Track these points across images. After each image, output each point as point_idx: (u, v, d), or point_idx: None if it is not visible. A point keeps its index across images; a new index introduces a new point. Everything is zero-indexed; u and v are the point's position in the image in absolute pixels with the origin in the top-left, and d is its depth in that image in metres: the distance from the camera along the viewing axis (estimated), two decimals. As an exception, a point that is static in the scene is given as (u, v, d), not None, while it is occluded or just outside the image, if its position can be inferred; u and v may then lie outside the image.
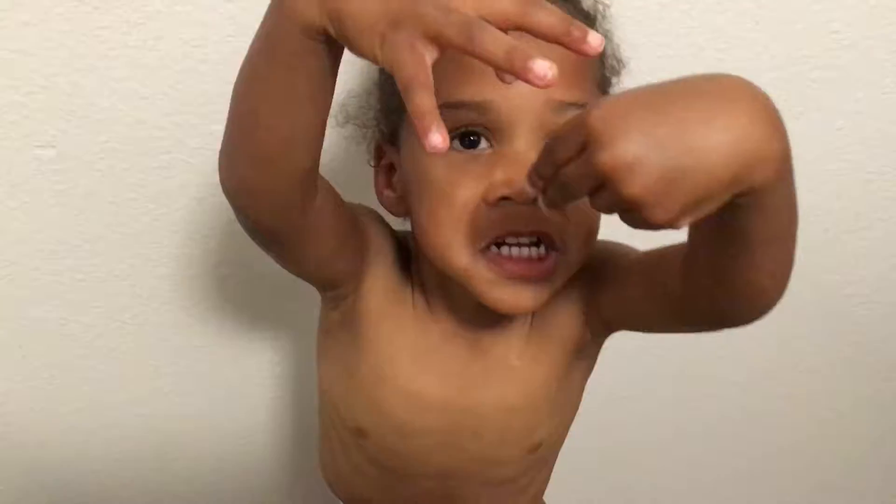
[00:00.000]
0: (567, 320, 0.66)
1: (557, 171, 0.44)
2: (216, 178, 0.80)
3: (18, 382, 0.91)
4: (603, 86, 0.64)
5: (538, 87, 0.38)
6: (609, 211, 0.44)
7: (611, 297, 0.64)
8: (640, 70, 0.83)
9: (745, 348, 1.10)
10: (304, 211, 0.56)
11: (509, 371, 0.67)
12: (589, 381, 1.07)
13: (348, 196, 0.74)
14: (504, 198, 0.55)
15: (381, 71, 0.66)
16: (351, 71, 0.74)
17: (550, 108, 0.56)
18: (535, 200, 0.50)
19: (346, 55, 0.60)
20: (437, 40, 0.40)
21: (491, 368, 0.67)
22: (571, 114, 0.54)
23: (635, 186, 0.40)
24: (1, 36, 0.70)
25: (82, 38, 0.72)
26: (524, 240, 0.58)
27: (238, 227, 0.84)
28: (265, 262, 0.88)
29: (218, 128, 0.77)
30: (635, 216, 0.42)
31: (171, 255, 0.86)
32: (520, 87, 0.53)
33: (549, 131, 0.55)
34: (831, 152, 0.93)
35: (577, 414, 0.76)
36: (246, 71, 0.51)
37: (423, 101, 0.40)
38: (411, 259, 0.68)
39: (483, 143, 0.57)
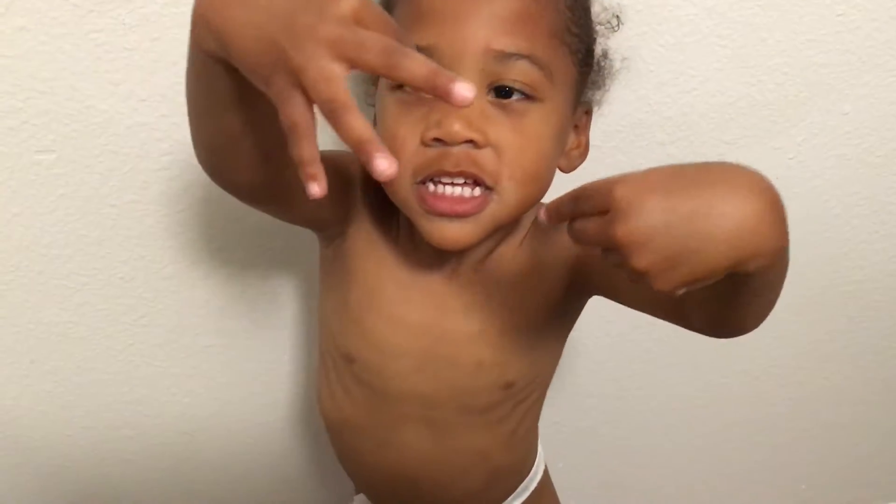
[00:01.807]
0: (551, 282, 0.69)
1: (575, 217, 0.50)
2: (218, 178, 0.81)
3: (28, 386, 0.91)
4: (574, 39, 0.63)
5: (457, 106, 0.40)
6: (616, 269, 0.48)
7: (604, 281, 0.66)
8: (643, 59, 0.82)
9: (756, 335, 1.09)
10: (272, 185, 0.59)
11: (488, 311, 0.70)
12: (601, 371, 1.07)
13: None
14: (437, 139, 0.58)
15: None
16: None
17: (492, 57, 0.58)
18: (466, 142, 0.57)
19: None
20: (352, 63, 0.41)
21: (469, 303, 0.70)
22: (515, 63, 0.58)
23: (643, 261, 0.46)
24: (-3, 42, 0.70)
25: (78, 42, 0.71)
26: (458, 179, 0.60)
27: (242, 226, 0.85)
28: (271, 262, 0.89)
29: (217, 128, 0.78)
30: (637, 281, 0.47)
31: (176, 257, 0.86)
32: (462, 33, 0.57)
33: (492, 78, 0.58)
34: (839, 137, 0.92)
35: (557, 365, 0.79)
36: (186, 69, 0.52)
37: (303, 152, 0.43)
38: None
39: None
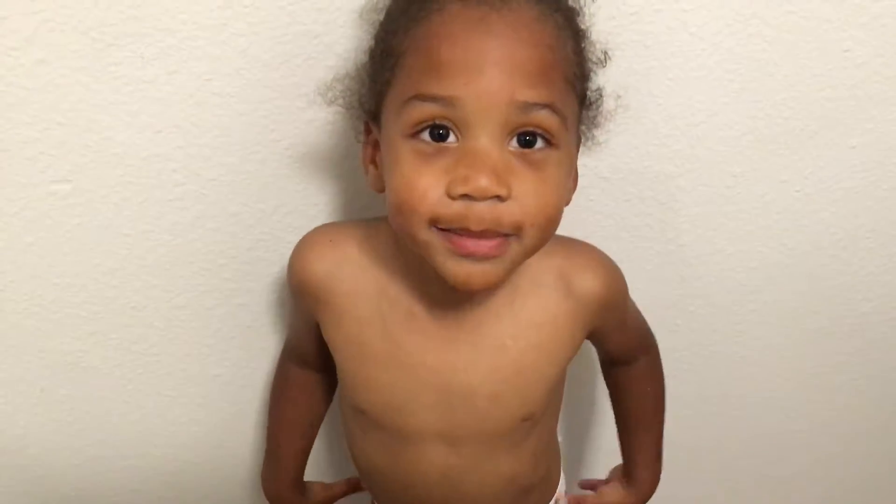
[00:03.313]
0: (570, 331, 0.74)
1: None
2: (230, 208, 0.82)
3: (37, 416, 0.91)
4: (578, 82, 0.65)
5: None
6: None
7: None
8: (651, 93, 0.83)
9: (764, 368, 1.10)
10: None
11: (502, 350, 0.72)
12: (605, 406, 1.06)
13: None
14: (464, 194, 0.59)
15: (370, 55, 0.68)
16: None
17: (515, 108, 0.58)
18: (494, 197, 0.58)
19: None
20: None
21: (480, 343, 0.72)
22: (537, 113, 0.59)
23: None
24: (17, 73, 0.71)
25: (97, 74, 0.72)
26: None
27: (253, 256, 0.86)
28: (281, 291, 0.90)
29: (231, 160, 0.79)
30: None
31: (187, 286, 0.86)
32: (486, 85, 0.57)
33: (514, 128, 0.59)
34: (846, 170, 0.93)
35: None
36: None
37: None
38: (380, 246, 0.73)
39: (451, 137, 0.60)
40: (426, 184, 0.60)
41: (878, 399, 1.16)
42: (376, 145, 0.68)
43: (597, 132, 0.71)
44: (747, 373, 1.09)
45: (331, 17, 0.74)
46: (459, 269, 0.62)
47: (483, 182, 0.58)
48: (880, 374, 1.13)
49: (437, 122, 0.59)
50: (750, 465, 1.20)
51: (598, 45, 0.68)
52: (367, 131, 0.70)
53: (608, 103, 0.71)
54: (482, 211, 0.59)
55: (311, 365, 0.85)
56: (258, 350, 0.93)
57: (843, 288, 1.04)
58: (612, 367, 0.88)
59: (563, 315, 0.73)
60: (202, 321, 0.89)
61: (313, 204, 0.84)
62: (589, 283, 0.73)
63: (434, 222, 0.61)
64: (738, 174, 0.91)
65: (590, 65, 0.67)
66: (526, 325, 0.72)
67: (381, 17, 0.67)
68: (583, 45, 0.66)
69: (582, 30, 0.66)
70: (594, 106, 0.70)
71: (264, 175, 0.81)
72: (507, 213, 0.60)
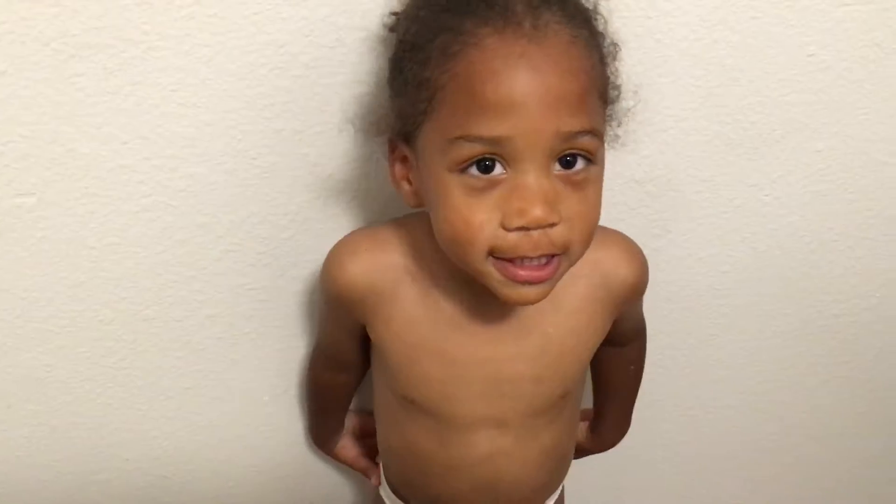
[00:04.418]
0: (602, 317, 0.79)
1: None
2: (198, 219, 0.82)
3: (3, 432, 0.90)
4: (604, 88, 0.67)
5: None
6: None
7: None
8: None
9: (737, 371, 1.10)
10: None
11: (545, 338, 0.76)
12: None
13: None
14: (519, 226, 0.62)
15: (397, 80, 0.68)
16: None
17: (560, 139, 0.61)
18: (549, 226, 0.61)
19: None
20: None
21: (526, 334, 0.76)
22: (580, 139, 0.61)
23: None
24: (-22, 86, 0.70)
25: (60, 86, 0.71)
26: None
27: (222, 267, 0.85)
28: (251, 302, 0.89)
29: (197, 170, 0.79)
30: None
31: (155, 299, 0.86)
32: (533, 123, 0.59)
33: (557, 153, 0.62)
34: (813, 174, 0.93)
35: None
36: None
37: None
38: (414, 249, 0.76)
39: (498, 168, 0.62)
40: (481, 219, 0.62)
41: (850, 400, 1.17)
42: (404, 160, 0.69)
43: (619, 131, 0.72)
44: (720, 376, 1.10)
45: (296, 27, 0.74)
46: (513, 292, 0.65)
47: (538, 213, 0.61)
48: (852, 374, 1.14)
49: (486, 156, 0.61)
50: (723, 467, 1.21)
51: (611, 38, 0.69)
52: (392, 148, 0.70)
53: (627, 101, 0.72)
54: (537, 239, 0.62)
55: (348, 370, 0.90)
56: (229, 361, 0.93)
57: (813, 290, 1.05)
58: (604, 345, 0.89)
59: (597, 302, 0.78)
60: (171, 333, 0.89)
61: (283, 214, 0.84)
62: (623, 273, 0.78)
63: (491, 253, 0.63)
64: (707, 179, 0.91)
65: (610, 64, 0.69)
66: (565, 312, 0.76)
67: (405, 42, 0.66)
68: (604, 48, 0.68)
69: (601, 33, 0.68)
70: (612, 105, 0.71)
71: (232, 185, 0.81)
72: (557, 235, 0.63)
